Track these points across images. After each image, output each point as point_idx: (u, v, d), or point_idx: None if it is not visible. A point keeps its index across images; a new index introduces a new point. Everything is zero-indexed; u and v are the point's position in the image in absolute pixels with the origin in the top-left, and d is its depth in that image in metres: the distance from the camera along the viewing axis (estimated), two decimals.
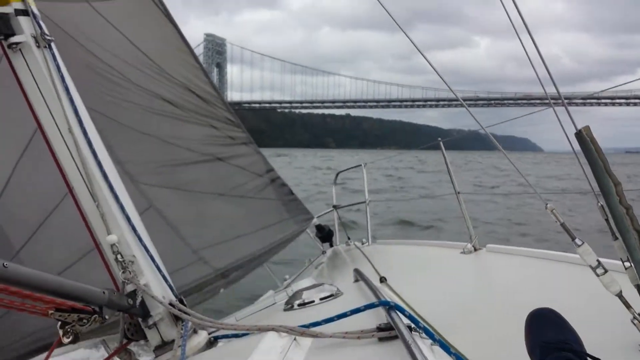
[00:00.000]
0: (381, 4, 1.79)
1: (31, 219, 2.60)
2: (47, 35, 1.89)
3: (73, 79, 2.03)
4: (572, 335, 1.28)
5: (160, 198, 3.22)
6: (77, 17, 3.16)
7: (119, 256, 1.77)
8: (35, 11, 1.90)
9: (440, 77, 1.76)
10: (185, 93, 3.73)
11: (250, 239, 3.65)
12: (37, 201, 2.62)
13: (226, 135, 3.98)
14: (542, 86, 1.54)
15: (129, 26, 3.42)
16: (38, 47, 1.85)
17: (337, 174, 5.56)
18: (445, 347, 1.37)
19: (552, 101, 1.60)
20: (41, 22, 1.89)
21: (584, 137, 1.47)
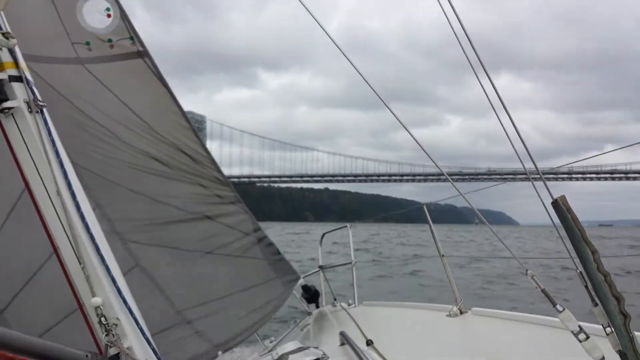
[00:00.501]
0: (367, 83, 1.88)
1: (16, 278, 2.58)
2: (40, 101, 1.94)
3: (64, 138, 2.07)
4: None
5: (147, 256, 3.22)
6: (69, 78, 3.24)
7: (102, 319, 1.75)
8: (29, 77, 1.96)
9: (424, 151, 1.83)
10: (175, 152, 3.78)
11: (237, 299, 3.62)
12: (21, 261, 2.61)
13: (214, 194, 4.01)
14: (521, 160, 1.61)
15: (121, 87, 3.51)
16: (30, 112, 1.89)
17: (323, 235, 5.56)
18: None
19: (532, 176, 1.67)
20: (34, 88, 1.95)
21: (560, 207, 1.52)
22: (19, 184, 1.94)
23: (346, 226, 5.11)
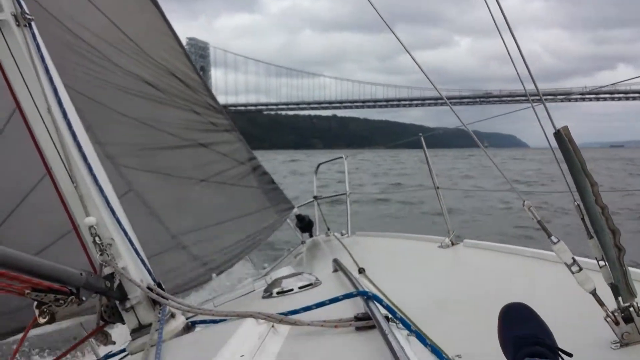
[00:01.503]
0: (372, 4, 1.80)
1: (9, 199, 2.57)
2: (28, 14, 1.85)
3: (53, 57, 2.00)
4: (544, 329, 1.31)
5: (141, 182, 3.20)
6: None
7: (97, 238, 1.75)
8: None
9: (425, 75, 1.77)
10: (168, 77, 3.69)
11: (231, 226, 3.65)
12: (15, 182, 2.58)
13: (208, 122, 3.96)
14: (523, 84, 1.56)
15: (112, 7, 3.37)
16: (18, 25, 1.81)
17: (318, 165, 5.58)
18: (422, 338, 1.39)
19: (532, 99, 1.62)
20: (22, 1, 1.85)
21: (562, 137, 1.50)
22: (10, 104, 1.88)
23: (342, 157, 5.12)
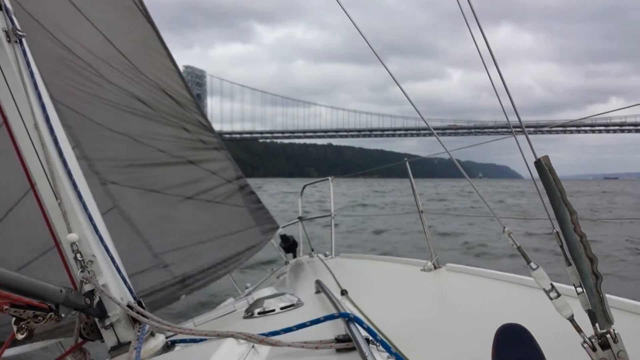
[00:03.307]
0: (362, 35, 1.83)
1: None
2: (19, 30, 1.86)
3: (46, 71, 2.01)
4: (539, 354, 1.31)
5: (126, 198, 3.18)
6: (52, 10, 3.12)
7: (78, 255, 1.74)
8: (8, 6, 1.88)
9: (412, 104, 1.80)
10: (159, 94, 3.71)
11: (214, 245, 3.63)
12: None
13: (198, 139, 3.97)
14: (506, 115, 1.59)
15: (105, 23, 3.40)
16: (9, 41, 1.83)
17: (304, 187, 5.63)
18: None
19: (515, 130, 1.65)
20: (13, 17, 1.87)
21: (542, 166, 1.53)
22: None
23: (328, 179, 5.16)
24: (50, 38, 3.03)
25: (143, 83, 3.60)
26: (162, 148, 3.63)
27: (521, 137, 1.67)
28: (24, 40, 1.89)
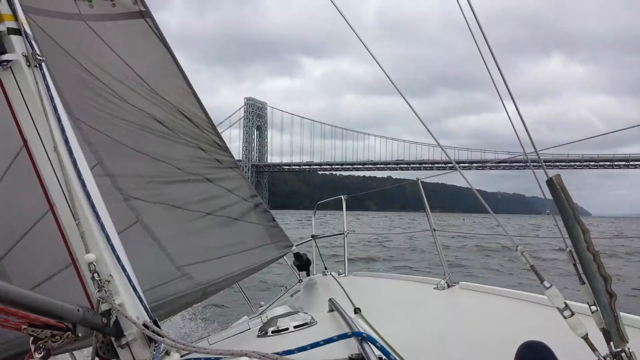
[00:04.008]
0: (383, 70, 1.87)
1: (14, 230, 2.60)
2: (39, 55, 1.91)
3: (66, 93, 2.05)
4: None
5: (149, 213, 3.24)
6: (72, 33, 3.20)
7: (95, 275, 1.77)
8: (28, 31, 1.93)
9: (431, 135, 1.82)
10: (176, 115, 3.78)
11: (232, 260, 3.67)
12: (21, 214, 2.62)
13: (214, 158, 4.02)
14: (521, 144, 1.61)
15: (123, 47, 3.48)
16: (29, 66, 1.87)
17: (317, 205, 5.67)
18: None
19: (529, 155, 1.66)
20: (33, 42, 1.92)
21: (554, 185, 1.53)
22: (19, 139, 1.94)
23: (341, 198, 5.19)
24: (71, 60, 3.12)
25: (161, 104, 3.67)
26: (180, 166, 3.69)
27: (528, 161, 1.68)
28: (43, 64, 1.94)
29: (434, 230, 3.61)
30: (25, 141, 1.89)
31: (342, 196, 5.18)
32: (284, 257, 4.42)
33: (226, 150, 4.21)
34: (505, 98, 1.59)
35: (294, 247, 4.51)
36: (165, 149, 3.62)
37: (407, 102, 2.00)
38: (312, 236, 5.18)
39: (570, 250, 1.55)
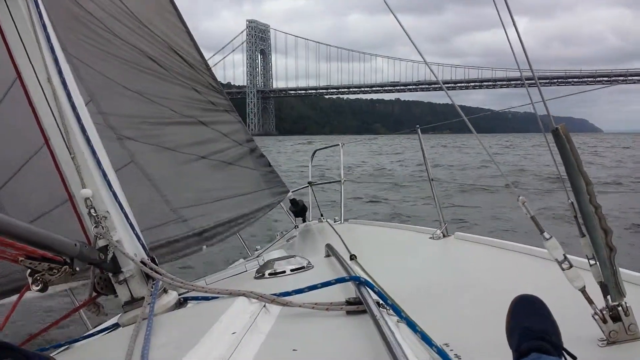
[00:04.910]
0: None
1: (10, 164, 2.56)
2: None
3: (58, 27, 1.98)
4: (555, 327, 1.31)
5: (142, 153, 3.20)
6: None
7: (92, 210, 1.75)
8: None
9: (418, 51, 1.77)
10: (170, 53, 3.68)
11: (228, 203, 3.66)
12: (17, 147, 2.57)
13: (208, 100, 3.95)
14: (519, 68, 1.56)
15: None
16: None
17: (314, 152, 5.64)
18: (412, 325, 1.41)
19: (527, 82, 1.63)
20: None
21: (560, 135, 1.51)
22: (12, 70, 1.87)
23: (338, 145, 5.17)
24: None
25: (154, 42, 3.57)
26: (173, 107, 3.62)
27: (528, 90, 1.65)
28: None
29: (432, 180, 3.61)
30: (18, 72, 1.83)
31: (338, 144, 5.17)
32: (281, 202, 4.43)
33: (221, 92, 4.14)
34: (508, 15, 1.53)
35: (290, 193, 4.51)
36: (158, 88, 3.54)
37: (397, 20, 1.94)
38: (309, 183, 5.18)
39: (571, 202, 1.54)
